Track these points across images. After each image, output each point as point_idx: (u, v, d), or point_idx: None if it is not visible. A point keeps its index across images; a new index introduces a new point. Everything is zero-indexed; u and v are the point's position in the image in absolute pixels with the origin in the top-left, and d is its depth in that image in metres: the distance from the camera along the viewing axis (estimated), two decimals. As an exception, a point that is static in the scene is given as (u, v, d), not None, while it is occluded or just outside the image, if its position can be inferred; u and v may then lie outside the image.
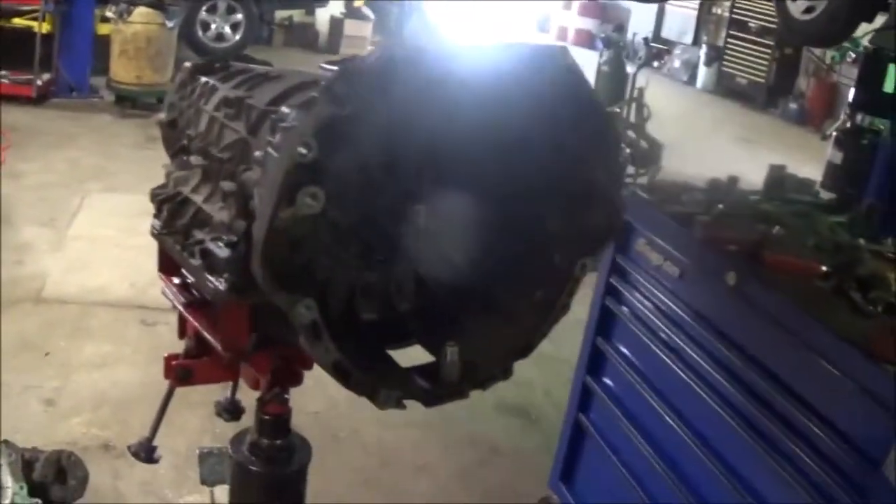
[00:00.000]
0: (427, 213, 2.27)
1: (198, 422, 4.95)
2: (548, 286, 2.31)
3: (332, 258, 2.17)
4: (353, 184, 2.11)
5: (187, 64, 2.93)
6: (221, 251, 2.30)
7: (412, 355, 2.37)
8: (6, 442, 4.00)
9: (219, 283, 2.31)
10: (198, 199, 2.56)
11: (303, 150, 1.78)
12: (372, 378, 2.03)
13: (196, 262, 2.42)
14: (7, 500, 3.81)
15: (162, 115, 2.95)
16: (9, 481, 3.86)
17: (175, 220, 2.59)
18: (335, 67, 1.91)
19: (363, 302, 2.26)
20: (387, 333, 2.32)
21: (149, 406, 4.99)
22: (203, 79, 2.82)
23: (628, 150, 2.56)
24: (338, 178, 1.97)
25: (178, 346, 2.88)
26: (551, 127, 2.22)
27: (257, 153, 2.05)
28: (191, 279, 2.70)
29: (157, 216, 2.70)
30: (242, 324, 2.47)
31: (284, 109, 2.03)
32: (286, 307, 1.87)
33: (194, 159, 2.64)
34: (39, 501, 3.92)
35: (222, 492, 3.80)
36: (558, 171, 2.27)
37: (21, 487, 3.88)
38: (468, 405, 5.39)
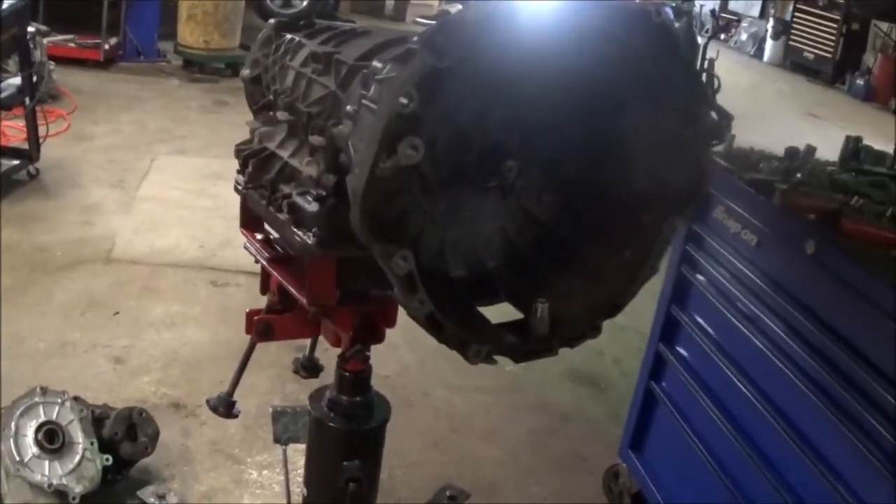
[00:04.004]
0: (513, 169, 2.26)
1: (267, 383, 5.02)
2: (637, 246, 2.29)
3: (423, 214, 2.18)
4: (443, 138, 2.11)
5: (271, 21, 2.93)
6: (310, 205, 2.31)
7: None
8: (76, 398, 4.04)
9: (307, 238, 2.32)
10: (284, 153, 2.56)
11: (404, 101, 1.77)
12: (463, 332, 2.03)
13: (283, 216, 2.43)
14: (78, 456, 3.86)
15: (245, 72, 2.95)
16: (79, 437, 3.91)
17: (261, 175, 2.60)
18: (432, 22, 1.90)
19: (452, 258, 2.26)
20: (476, 290, 2.32)
21: (219, 366, 5.09)
22: (288, 35, 2.81)
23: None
24: (430, 132, 1.97)
25: (249, 309, 2.88)
26: (641, 84, 2.20)
27: (349, 107, 2.04)
28: (275, 234, 2.70)
29: (241, 171, 2.71)
30: (329, 278, 2.46)
31: (377, 64, 2.03)
32: (383, 258, 1.87)
33: (280, 115, 2.64)
34: (110, 457, 3.97)
35: (294, 451, 3.81)
36: (647, 129, 2.26)
37: (91, 443, 3.93)
38: (537, 372, 5.36)
